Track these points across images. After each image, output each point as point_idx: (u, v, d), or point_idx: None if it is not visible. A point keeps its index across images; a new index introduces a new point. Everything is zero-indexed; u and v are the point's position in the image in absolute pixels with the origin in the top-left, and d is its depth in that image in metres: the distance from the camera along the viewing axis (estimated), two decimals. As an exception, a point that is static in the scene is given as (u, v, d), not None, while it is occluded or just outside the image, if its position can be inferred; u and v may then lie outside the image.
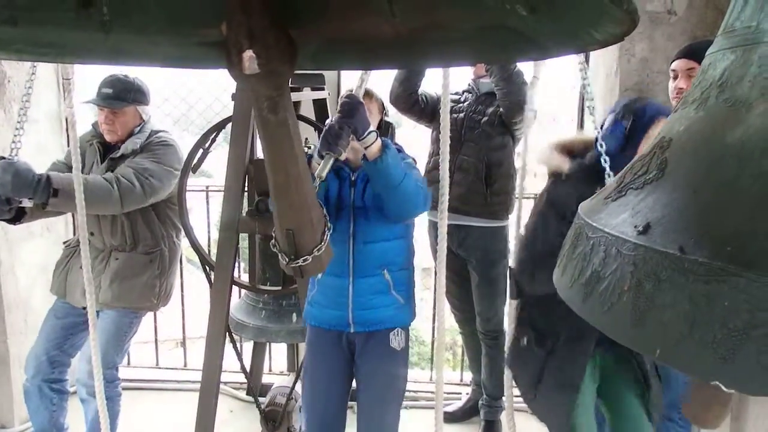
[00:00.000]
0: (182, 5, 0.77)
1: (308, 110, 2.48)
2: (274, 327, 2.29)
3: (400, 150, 1.80)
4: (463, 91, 2.67)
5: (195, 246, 2.21)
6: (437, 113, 1.73)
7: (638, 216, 0.65)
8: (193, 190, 2.94)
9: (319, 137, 1.68)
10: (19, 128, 1.72)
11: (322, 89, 2.43)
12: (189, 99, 3.85)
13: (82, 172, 2.06)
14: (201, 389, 2.09)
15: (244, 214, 2.11)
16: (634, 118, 1.51)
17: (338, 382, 1.84)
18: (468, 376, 3.08)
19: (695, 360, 0.56)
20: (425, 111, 2.62)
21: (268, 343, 2.92)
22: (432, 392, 2.76)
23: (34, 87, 1.69)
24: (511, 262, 1.70)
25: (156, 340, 3.36)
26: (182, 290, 3.04)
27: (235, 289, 2.15)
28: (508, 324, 1.71)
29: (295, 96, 2.23)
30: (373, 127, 1.58)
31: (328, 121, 1.56)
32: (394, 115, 2.25)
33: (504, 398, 2.19)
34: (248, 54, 0.73)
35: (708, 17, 2.34)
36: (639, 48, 2.41)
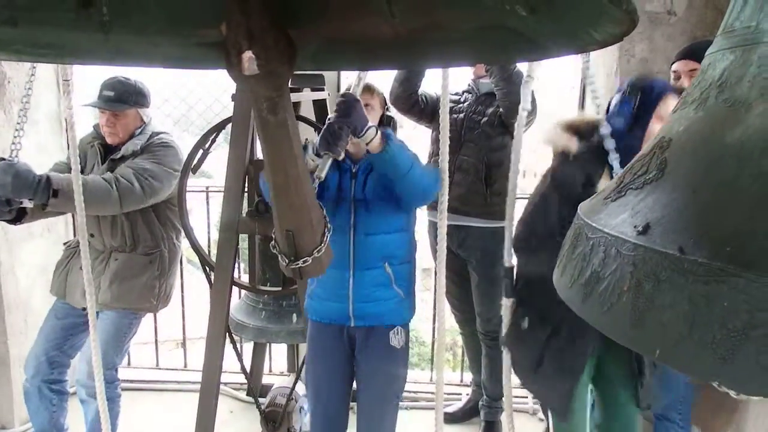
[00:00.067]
0: (182, 6, 0.77)
1: (308, 111, 2.48)
2: (274, 327, 2.29)
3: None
4: (463, 92, 2.67)
5: (195, 247, 2.21)
6: (437, 113, 1.73)
7: (638, 216, 0.65)
8: (193, 191, 2.94)
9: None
10: (19, 129, 1.72)
11: (322, 90, 2.43)
12: (189, 100, 3.86)
13: (83, 174, 2.06)
14: (201, 390, 2.09)
15: (244, 215, 2.11)
16: (641, 95, 1.50)
17: (340, 378, 1.85)
18: (468, 376, 3.08)
19: (695, 360, 0.56)
20: (425, 111, 2.61)
21: (268, 344, 2.92)
22: (432, 393, 2.75)
23: (33, 88, 1.70)
24: (506, 262, 1.68)
25: (156, 340, 3.36)
26: (182, 291, 3.04)
27: (235, 289, 2.15)
28: (504, 323, 1.69)
29: (294, 96, 2.23)
30: (374, 122, 1.58)
31: (327, 121, 1.57)
32: (394, 115, 2.24)
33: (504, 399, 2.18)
34: (247, 55, 0.73)
35: (708, 17, 2.34)
36: (639, 48, 2.41)
